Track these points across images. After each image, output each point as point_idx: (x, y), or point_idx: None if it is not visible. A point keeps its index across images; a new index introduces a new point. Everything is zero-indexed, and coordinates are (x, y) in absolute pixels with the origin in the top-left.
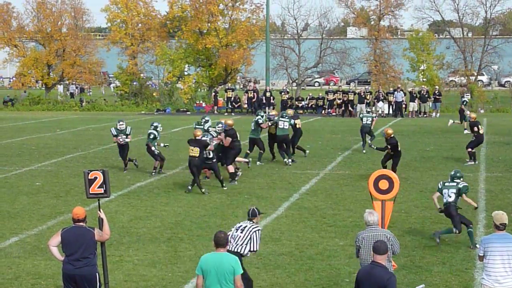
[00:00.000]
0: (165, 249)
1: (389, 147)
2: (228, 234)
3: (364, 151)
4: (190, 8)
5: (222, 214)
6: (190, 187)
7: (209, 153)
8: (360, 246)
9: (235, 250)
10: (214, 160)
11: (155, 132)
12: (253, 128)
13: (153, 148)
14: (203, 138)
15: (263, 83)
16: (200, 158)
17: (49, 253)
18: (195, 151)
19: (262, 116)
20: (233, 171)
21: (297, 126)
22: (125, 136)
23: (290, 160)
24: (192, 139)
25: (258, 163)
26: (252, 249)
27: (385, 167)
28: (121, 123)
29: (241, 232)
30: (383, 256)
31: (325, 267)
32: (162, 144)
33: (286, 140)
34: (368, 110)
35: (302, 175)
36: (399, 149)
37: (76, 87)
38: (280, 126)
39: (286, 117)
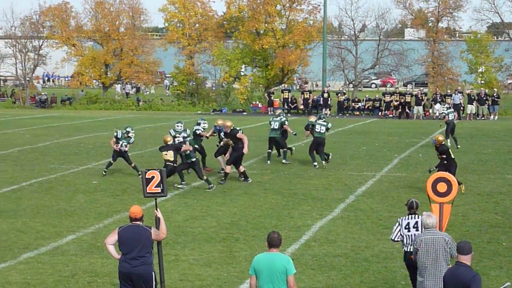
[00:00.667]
0: (221, 249)
1: (439, 154)
2: (281, 235)
3: (458, 146)
4: (247, 9)
5: (278, 215)
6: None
7: (187, 153)
8: (418, 249)
9: None
10: (194, 160)
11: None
12: (276, 127)
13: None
14: (177, 142)
15: (317, 84)
16: (175, 161)
17: (105, 251)
18: (169, 155)
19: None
20: (239, 171)
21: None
22: (125, 144)
23: (324, 162)
24: (163, 146)
25: (284, 161)
26: None
27: None
28: (129, 129)
29: (416, 230)
30: (468, 256)
31: (381, 269)
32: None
33: (322, 143)
34: (448, 106)
35: (358, 176)
36: (452, 156)
37: (133, 87)
38: (317, 130)
39: (323, 120)
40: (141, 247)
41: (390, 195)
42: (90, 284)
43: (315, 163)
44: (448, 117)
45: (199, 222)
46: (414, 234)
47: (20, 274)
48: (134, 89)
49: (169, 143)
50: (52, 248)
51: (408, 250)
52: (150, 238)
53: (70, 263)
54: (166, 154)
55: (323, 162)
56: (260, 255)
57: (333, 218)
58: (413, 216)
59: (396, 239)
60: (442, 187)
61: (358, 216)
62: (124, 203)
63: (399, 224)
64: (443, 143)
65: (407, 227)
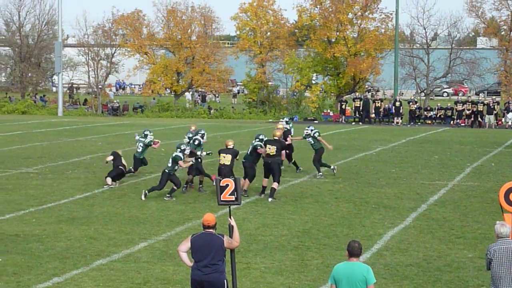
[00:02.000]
0: (292, 257)
1: None
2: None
3: None
4: (319, 17)
5: (350, 224)
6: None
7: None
8: (492, 259)
9: None
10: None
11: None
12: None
13: (198, 152)
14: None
15: (388, 93)
16: (231, 166)
17: (177, 259)
18: (227, 159)
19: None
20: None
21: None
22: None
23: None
24: (223, 148)
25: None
26: None
27: None
28: (147, 132)
29: None
30: None
31: (453, 279)
32: (205, 153)
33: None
34: None
35: (430, 185)
36: None
37: (199, 95)
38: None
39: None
40: (214, 255)
41: (462, 204)
42: None
43: (320, 173)
44: None
45: (270, 230)
46: None
47: (92, 281)
48: (200, 97)
49: (229, 146)
50: (124, 255)
51: None
52: (223, 246)
53: (142, 270)
54: (224, 157)
55: (320, 173)
56: (340, 264)
57: (405, 227)
58: None
59: None
60: None
61: (430, 225)
62: (195, 211)
63: None
64: None
65: None
